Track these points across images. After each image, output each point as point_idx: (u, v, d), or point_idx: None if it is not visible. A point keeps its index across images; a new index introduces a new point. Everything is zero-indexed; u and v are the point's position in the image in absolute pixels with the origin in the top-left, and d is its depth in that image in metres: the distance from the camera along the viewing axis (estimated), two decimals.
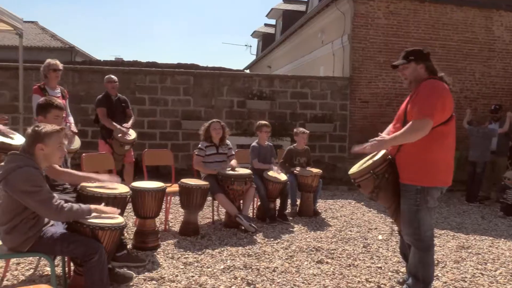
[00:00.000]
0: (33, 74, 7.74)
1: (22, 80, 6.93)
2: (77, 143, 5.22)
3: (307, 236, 4.67)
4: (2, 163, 2.47)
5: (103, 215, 2.68)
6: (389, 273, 3.64)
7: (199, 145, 5.10)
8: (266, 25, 21.43)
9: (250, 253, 3.99)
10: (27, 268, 3.39)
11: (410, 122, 2.78)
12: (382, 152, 2.98)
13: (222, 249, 4.08)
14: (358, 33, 8.77)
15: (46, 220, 2.55)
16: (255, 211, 5.47)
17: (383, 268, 3.75)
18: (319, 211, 5.74)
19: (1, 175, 2.39)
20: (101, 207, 2.69)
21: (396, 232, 4.04)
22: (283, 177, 5.31)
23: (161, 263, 3.65)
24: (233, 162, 5.07)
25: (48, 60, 5.23)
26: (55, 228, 2.57)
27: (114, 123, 5.66)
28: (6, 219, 2.39)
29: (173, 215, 5.33)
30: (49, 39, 19.00)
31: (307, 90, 8.72)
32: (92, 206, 2.60)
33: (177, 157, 8.14)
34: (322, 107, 8.77)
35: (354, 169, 3.12)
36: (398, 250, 3.66)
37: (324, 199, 6.76)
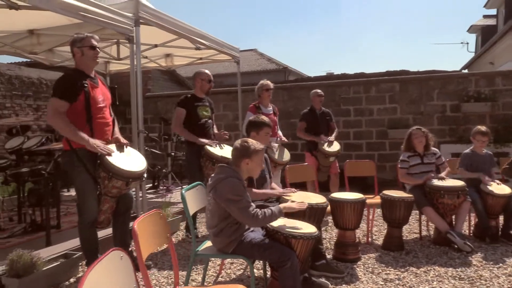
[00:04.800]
0: (250, 96, 8.70)
1: (240, 101, 7.89)
2: (287, 155, 5.60)
3: None
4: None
5: (298, 226, 2.79)
6: None
7: (401, 157, 4.81)
8: (485, 16, 18.89)
9: (462, 276, 3.50)
10: (238, 268, 3.79)
11: None
12: None
13: (429, 268, 3.71)
14: None
15: (246, 226, 2.81)
16: (471, 228, 4.80)
17: None
18: None
19: (211, 184, 2.76)
20: (290, 204, 2.82)
21: None
22: (507, 189, 4.52)
23: (360, 277, 3.55)
24: (445, 172, 4.60)
25: (261, 81, 5.80)
26: (254, 233, 2.80)
27: (311, 136, 5.87)
28: (215, 222, 2.73)
29: (378, 228, 5.14)
30: (266, 62, 21.17)
31: None
32: (282, 205, 2.74)
33: (384, 167, 7.89)
34: None
35: None
36: None
37: None
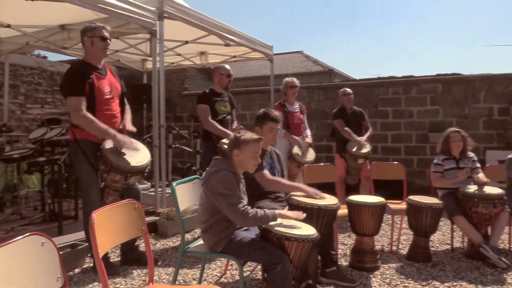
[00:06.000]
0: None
1: (273, 101, 7.70)
2: (311, 155, 5.37)
3: None
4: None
5: (295, 227, 2.56)
6: None
7: (435, 160, 4.42)
8: None
9: None
10: (245, 269, 3.59)
11: None
12: None
13: (455, 283, 3.34)
14: None
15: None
16: None
17: None
18: None
19: (204, 177, 2.61)
20: (285, 211, 2.59)
21: None
22: None
23: (373, 287, 3.25)
24: (480, 175, 4.17)
25: (286, 79, 5.62)
26: (246, 233, 2.60)
27: (353, 135, 5.58)
28: (204, 218, 2.57)
29: (407, 236, 4.74)
30: (311, 65, 20.84)
31: None
32: (277, 211, 2.52)
33: (423, 173, 7.39)
34: None
35: None
36: None
37: None
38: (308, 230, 2.55)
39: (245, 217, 2.38)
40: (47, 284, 1.36)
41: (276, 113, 3.48)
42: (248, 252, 2.45)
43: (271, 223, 2.52)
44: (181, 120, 9.97)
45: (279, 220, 2.60)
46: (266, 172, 3.24)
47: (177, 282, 3.12)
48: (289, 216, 2.53)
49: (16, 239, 1.27)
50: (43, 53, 14.97)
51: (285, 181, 3.34)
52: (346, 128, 5.66)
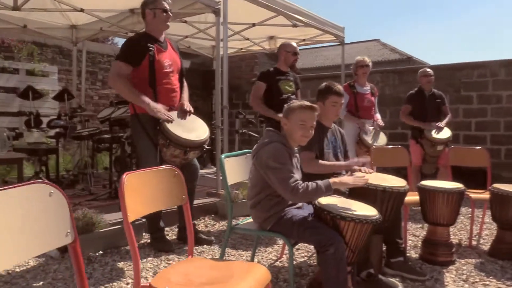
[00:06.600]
0: None
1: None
2: (382, 140, 5.04)
3: None
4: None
5: (354, 207, 2.28)
6: None
7: None
8: None
9: None
10: (302, 254, 3.38)
11: None
12: None
13: None
14: None
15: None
16: None
17: None
18: None
19: (254, 150, 2.43)
20: (342, 178, 2.32)
21: None
22: None
23: (446, 283, 2.87)
24: None
25: (357, 58, 5.30)
26: (298, 210, 2.38)
27: (417, 122, 5.17)
28: (253, 193, 2.39)
29: (490, 231, 4.22)
30: (389, 53, 19.84)
31: None
32: (332, 179, 2.26)
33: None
34: None
35: None
36: None
37: None
38: (368, 211, 2.27)
39: (296, 193, 2.16)
40: (54, 238, 1.26)
41: (339, 87, 3.19)
42: (298, 231, 2.22)
43: (326, 201, 2.28)
44: (250, 107, 9.89)
45: (336, 200, 2.35)
46: (308, 152, 2.94)
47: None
48: (347, 183, 2.26)
49: (21, 184, 1.18)
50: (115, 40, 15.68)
51: (327, 162, 3.00)
52: (409, 116, 5.33)
